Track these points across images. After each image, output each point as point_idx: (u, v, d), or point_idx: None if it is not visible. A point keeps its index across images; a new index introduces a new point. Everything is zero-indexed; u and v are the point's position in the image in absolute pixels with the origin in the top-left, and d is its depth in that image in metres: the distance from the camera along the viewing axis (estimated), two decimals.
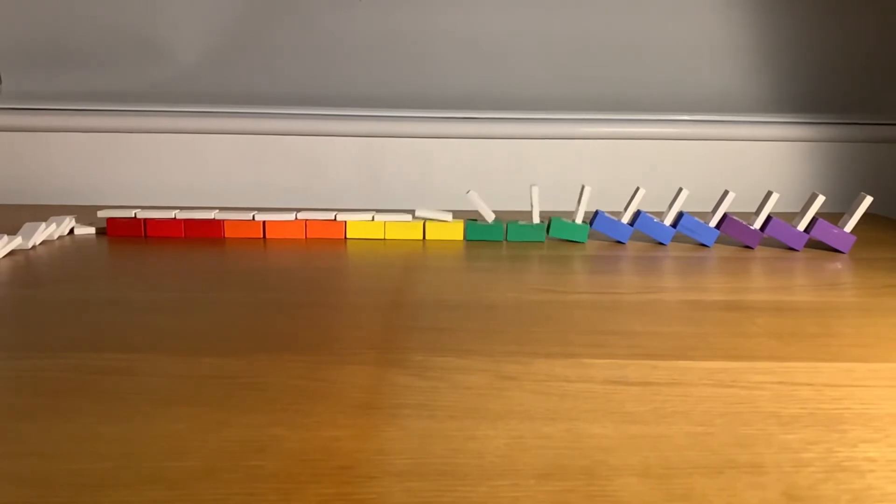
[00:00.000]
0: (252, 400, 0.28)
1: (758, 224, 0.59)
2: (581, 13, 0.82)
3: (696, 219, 0.60)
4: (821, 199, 0.58)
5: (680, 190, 0.60)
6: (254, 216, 0.62)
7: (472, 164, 0.85)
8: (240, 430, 0.26)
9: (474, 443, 0.25)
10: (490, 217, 0.61)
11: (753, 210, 0.60)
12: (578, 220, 0.61)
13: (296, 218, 0.61)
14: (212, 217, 0.62)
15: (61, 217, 0.62)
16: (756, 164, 0.86)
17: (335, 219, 0.61)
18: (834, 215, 0.61)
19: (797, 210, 0.60)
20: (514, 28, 0.83)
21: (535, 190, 0.60)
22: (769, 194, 0.59)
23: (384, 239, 0.61)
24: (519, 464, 0.24)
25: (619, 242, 0.61)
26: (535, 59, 0.84)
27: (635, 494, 0.22)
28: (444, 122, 0.84)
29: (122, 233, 0.62)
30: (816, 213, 0.59)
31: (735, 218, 0.60)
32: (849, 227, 0.58)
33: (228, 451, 0.24)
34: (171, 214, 0.62)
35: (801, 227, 0.59)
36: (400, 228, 0.61)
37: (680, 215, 0.60)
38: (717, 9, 0.82)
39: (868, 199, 0.58)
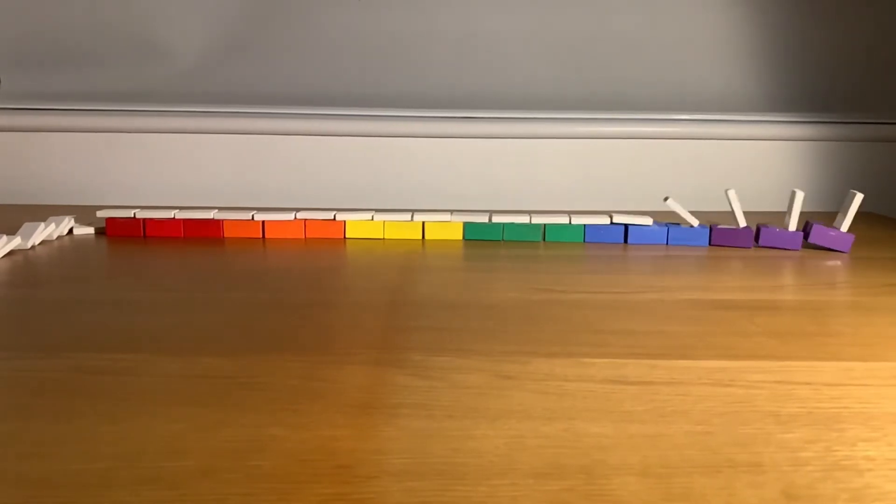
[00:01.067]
0: (251, 400, 0.28)
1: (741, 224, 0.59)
2: (581, 12, 0.82)
3: (683, 227, 0.60)
4: (798, 198, 0.57)
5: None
6: (253, 216, 0.62)
7: (473, 163, 0.85)
8: (239, 429, 0.26)
9: (473, 442, 0.25)
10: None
11: (752, 209, 0.60)
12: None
13: (295, 217, 0.61)
14: (211, 217, 0.62)
15: (60, 217, 0.62)
16: (756, 163, 0.86)
17: (334, 218, 0.61)
18: (832, 215, 0.61)
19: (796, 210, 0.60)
20: (514, 28, 0.83)
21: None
22: (728, 192, 0.59)
23: (383, 238, 0.61)
24: (518, 463, 0.24)
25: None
26: (534, 58, 0.84)
27: (634, 494, 0.22)
28: (445, 121, 0.84)
29: (122, 233, 0.62)
30: (810, 217, 0.58)
31: (722, 227, 0.60)
32: (844, 227, 0.58)
33: (227, 451, 0.24)
34: (170, 214, 0.62)
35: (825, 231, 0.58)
36: (399, 228, 0.61)
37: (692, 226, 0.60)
38: (717, 8, 0.82)
39: (859, 196, 0.57)
